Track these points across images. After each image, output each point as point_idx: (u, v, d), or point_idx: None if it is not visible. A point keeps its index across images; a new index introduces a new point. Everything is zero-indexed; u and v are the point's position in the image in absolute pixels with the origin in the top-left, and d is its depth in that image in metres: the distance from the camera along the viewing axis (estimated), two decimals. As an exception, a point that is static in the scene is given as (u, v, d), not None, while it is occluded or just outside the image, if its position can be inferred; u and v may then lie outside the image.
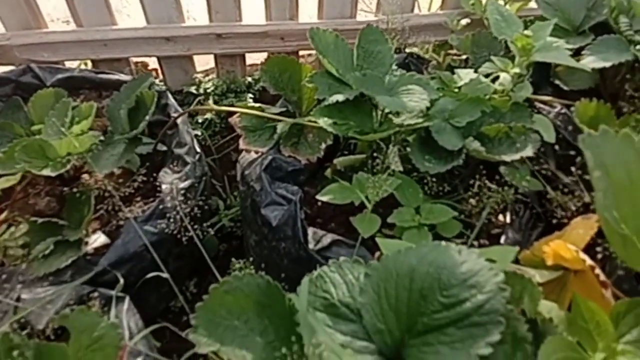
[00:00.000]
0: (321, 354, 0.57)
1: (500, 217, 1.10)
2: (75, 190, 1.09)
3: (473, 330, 0.55)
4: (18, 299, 0.87)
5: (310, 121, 1.10)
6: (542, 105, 1.24)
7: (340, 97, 0.98)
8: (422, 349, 0.58)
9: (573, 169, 0.99)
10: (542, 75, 1.33)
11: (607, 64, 1.08)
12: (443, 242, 0.62)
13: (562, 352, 0.59)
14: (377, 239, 0.79)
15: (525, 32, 1.06)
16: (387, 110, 1.07)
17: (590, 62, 1.11)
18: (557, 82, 1.31)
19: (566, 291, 0.81)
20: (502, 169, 1.05)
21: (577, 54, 1.16)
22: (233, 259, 0.97)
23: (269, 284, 0.67)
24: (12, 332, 0.71)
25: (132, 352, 0.76)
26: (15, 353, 0.66)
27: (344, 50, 1.08)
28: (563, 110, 1.19)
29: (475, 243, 1.01)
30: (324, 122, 0.98)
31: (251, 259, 1.20)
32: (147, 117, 1.10)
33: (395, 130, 1.00)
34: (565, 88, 1.29)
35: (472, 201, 1.05)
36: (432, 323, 0.58)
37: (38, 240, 1.02)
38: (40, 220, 1.03)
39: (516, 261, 0.90)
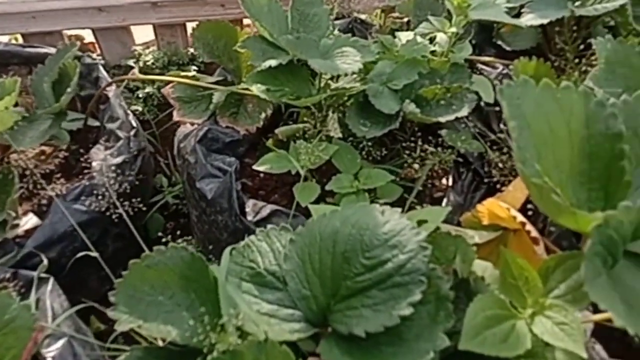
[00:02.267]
0: (241, 324, 0.54)
1: (444, 180, 1.09)
2: (-2, 170, 1.03)
3: (395, 291, 0.53)
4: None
5: (245, 89, 1.06)
6: (484, 67, 1.22)
7: (273, 62, 0.94)
8: (347, 313, 0.56)
9: (502, 126, 0.98)
10: (485, 37, 1.32)
11: (545, 21, 1.07)
12: (367, 203, 0.60)
13: (490, 309, 0.58)
14: (309, 205, 0.76)
15: (462, -10, 1.04)
16: (326, 76, 1.03)
17: (529, 19, 1.09)
18: (500, 43, 1.30)
19: (505, 251, 0.81)
20: (443, 132, 1.03)
21: (518, 14, 1.15)
22: (168, 239, 0.93)
23: (193, 257, 0.64)
24: None
25: (55, 335, 0.72)
26: None
27: (278, 14, 1.04)
28: (505, 71, 1.18)
29: (419, 207, 1.00)
30: (257, 88, 0.94)
31: (196, 235, 1.17)
32: (69, 90, 1.03)
33: (329, 95, 0.97)
34: (508, 49, 1.28)
35: (415, 165, 1.04)
36: (356, 286, 0.56)
37: (-38, 224, 0.97)
38: (-39, 203, 0.97)
39: (458, 223, 0.89)
